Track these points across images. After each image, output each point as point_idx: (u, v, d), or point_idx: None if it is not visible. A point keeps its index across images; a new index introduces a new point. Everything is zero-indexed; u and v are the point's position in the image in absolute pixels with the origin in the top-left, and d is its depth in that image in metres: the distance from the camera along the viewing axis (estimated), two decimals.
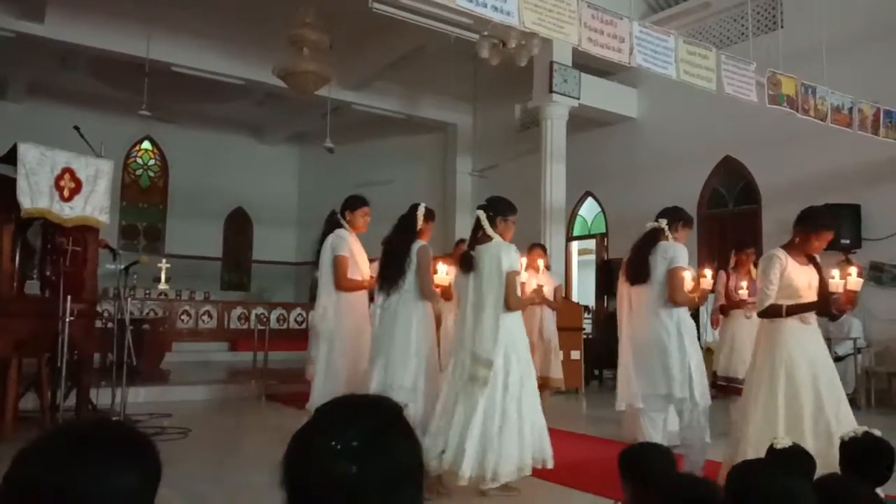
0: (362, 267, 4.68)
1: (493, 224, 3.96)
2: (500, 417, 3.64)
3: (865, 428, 2.60)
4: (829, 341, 7.64)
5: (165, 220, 15.22)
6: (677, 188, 10.35)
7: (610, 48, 4.43)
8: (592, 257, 12.51)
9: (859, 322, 8.04)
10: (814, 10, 8.93)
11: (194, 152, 14.85)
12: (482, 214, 3.98)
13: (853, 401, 7.24)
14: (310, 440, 0.99)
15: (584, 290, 12.51)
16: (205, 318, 11.60)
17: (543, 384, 5.98)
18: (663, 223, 4.34)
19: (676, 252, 4.13)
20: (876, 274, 8.28)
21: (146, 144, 15.44)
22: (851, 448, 2.51)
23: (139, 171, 15.47)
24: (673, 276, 4.05)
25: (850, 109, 6.32)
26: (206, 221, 14.99)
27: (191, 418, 5.90)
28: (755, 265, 5.81)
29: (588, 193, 12.03)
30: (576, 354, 8.73)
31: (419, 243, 4.27)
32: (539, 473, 4.23)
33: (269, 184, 15.52)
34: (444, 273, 4.19)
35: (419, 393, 4.08)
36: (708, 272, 4.33)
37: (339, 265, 4.58)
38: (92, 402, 5.46)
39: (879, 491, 2.55)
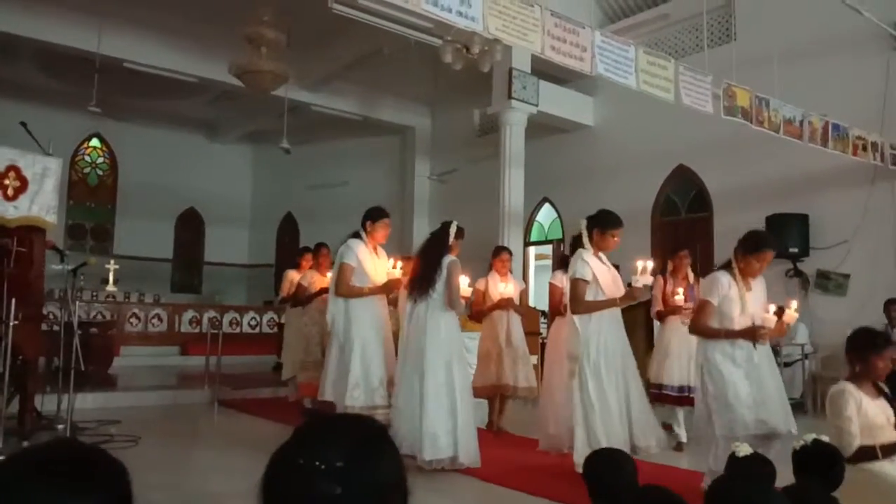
0: (373, 276, 4.77)
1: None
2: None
3: (815, 435, 2.66)
4: (777, 347, 7.90)
5: (114, 219, 14.79)
6: (632, 195, 10.54)
7: (572, 57, 4.47)
8: (549, 262, 12.61)
9: (806, 328, 8.28)
10: (766, 23, 9.20)
11: (145, 150, 14.47)
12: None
13: (800, 405, 7.47)
14: (292, 460, 0.95)
15: (541, 295, 12.59)
16: (155, 321, 11.31)
17: (512, 393, 5.96)
18: (583, 226, 4.62)
19: (575, 265, 4.43)
20: (822, 281, 8.55)
21: (95, 142, 14.99)
22: (802, 455, 2.57)
23: (87, 169, 15.01)
24: (571, 286, 4.40)
25: (801, 122, 6.50)
26: (156, 221, 14.62)
27: (141, 425, 5.72)
28: (692, 269, 5.95)
29: (545, 199, 12.14)
30: (533, 359, 8.76)
31: (450, 258, 4.64)
32: (493, 479, 4.24)
33: (223, 184, 15.23)
34: (465, 285, 4.74)
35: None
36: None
37: (339, 272, 4.75)
38: (36, 409, 5.24)
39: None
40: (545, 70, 9.71)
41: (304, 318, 6.84)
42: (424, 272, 4.55)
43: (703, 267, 9.77)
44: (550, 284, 5.73)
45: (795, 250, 8.53)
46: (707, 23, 10.11)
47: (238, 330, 11.68)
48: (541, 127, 10.84)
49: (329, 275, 6.84)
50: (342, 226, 12.66)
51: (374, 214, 4.89)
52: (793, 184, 8.63)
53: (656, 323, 8.27)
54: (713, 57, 9.13)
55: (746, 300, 3.72)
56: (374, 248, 4.86)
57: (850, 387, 3.14)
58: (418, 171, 13.85)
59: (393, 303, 5.14)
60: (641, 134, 10.28)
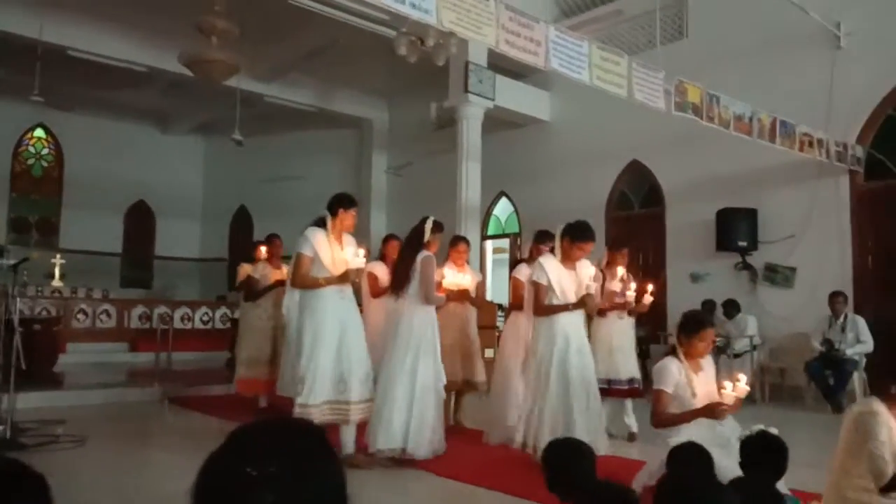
0: (331, 267, 4.47)
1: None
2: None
3: (761, 426, 2.71)
4: (728, 339, 8.08)
5: (60, 212, 14.32)
6: (587, 190, 10.66)
7: (526, 51, 4.46)
8: (506, 256, 12.67)
9: (755, 320, 8.49)
10: (717, 21, 9.38)
11: (93, 141, 14.04)
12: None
13: (748, 395, 7.64)
14: (225, 466, 0.91)
15: (498, 289, 12.64)
16: (103, 317, 10.99)
17: (469, 387, 5.93)
18: (558, 231, 4.88)
19: (535, 268, 4.74)
20: (770, 275, 8.76)
21: (39, 132, 14.48)
22: (748, 447, 2.62)
23: (31, 161, 14.50)
24: (532, 288, 4.73)
25: (751, 119, 6.63)
26: (105, 214, 14.21)
27: (87, 425, 5.54)
28: (627, 268, 6.01)
29: (502, 193, 12.18)
30: (490, 353, 8.79)
31: (424, 253, 4.70)
32: (448, 473, 4.24)
33: (174, 176, 14.88)
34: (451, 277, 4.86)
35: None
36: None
37: (295, 263, 4.55)
38: None
39: (782, 486, 2.68)
40: (502, 64, 9.73)
41: (256, 312, 6.70)
42: (400, 268, 4.78)
43: (655, 264, 10.00)
44: (513, 278, 5.73)
45: (744, 244, 8.74)
46: (660, 20, 10.25)
47: (190, 326, 11.44)
48: (498, 121, 10.86)
49: (284, 267, 6.82)
50: (297, 220, 12.43)
51: (347, 202, 4.64)
52: (742, 179, 8.82)
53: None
54: (666, 53, 9.29)
55: (694, 384, 3.67)
56: (339, 237, 4.60)
57: (882, 408, 2.86)
58: (375, 165, 13.75)
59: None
60: (596, 129, 10.38)
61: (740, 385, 3.44)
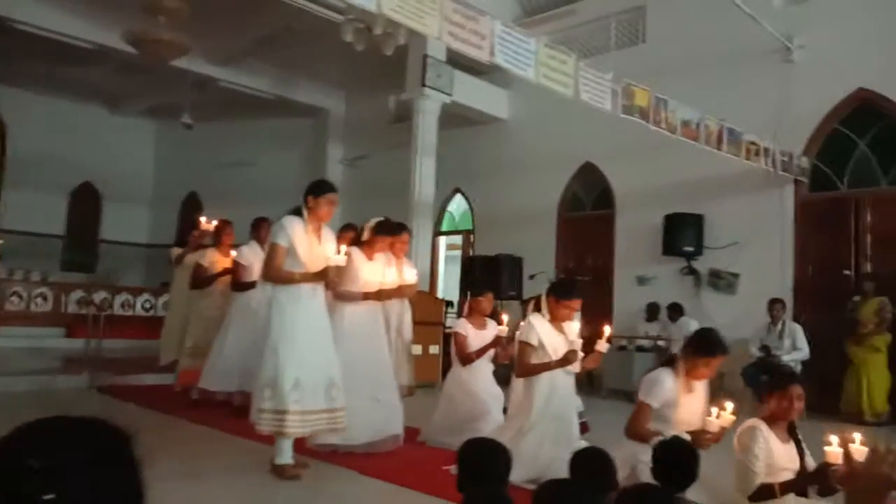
0: (307, 261, 4.09)
1: None
2: None
3: (675, 432, 2.69)
4: (669, 342, 8.15)
5: (1, 191, 13.78)
6: (540, 190, 10.67)
7: (471, 44, 4.39)
8: (459, 253, 12.62)
9: (697, 324, 8.56)
10: (674, 28, 9.46)
11: (38, 119, 13.53)
12: None
13: None
14: (6, 452, 0.83)
15: (450, 285, 12.59)
16: (39, 300, 10.61)
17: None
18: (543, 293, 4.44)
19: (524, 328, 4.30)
20: (714, 280, 8.88)
21: None
22: (660, 453, 2.59)
23: None
24: (517, 348, 4.29)
25: (698, 124, 6.68)
26: (48, 195, 13.70)
27: (3, 414, 5.30)
28: (492, 314, 5.48)
29: (457, 190, 12.12)
30: (434, 349, 8.74)
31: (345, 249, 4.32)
32: (375, 473, 4.15)
33: (123, 158, 14.43)
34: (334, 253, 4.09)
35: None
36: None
37: (269, 254, 4.17)
38: None
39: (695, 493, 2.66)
40: (461, 60, 9.64)
41: (203, 302, 6.50)
42: None
43: (603, 266, 10.05)
44: (455, 333, 5.37)
45: (690, 249, 8.84)
46: (619, 24, 10.32)
47: (131, 312, 11.13)
48: (455, 117, 10.79)
49: (233, 254, 6.51)
50: (250, 208, 12.20)
51: (317, 188, 4.21)
52: (691, 186, 8.92)
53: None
54: (623, 57, 9.34)
55: (685, 403, 3.53)
56: (317, 229, 4.20)
57: (762, 426, 3.04)
58: (331, 156, 13.58)
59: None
60: (553, 130, 10.39)
61: (726, 414, 3.27)
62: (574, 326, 4.24)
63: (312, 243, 4.13)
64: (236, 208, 11.90)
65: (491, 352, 5.18)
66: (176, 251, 6.94)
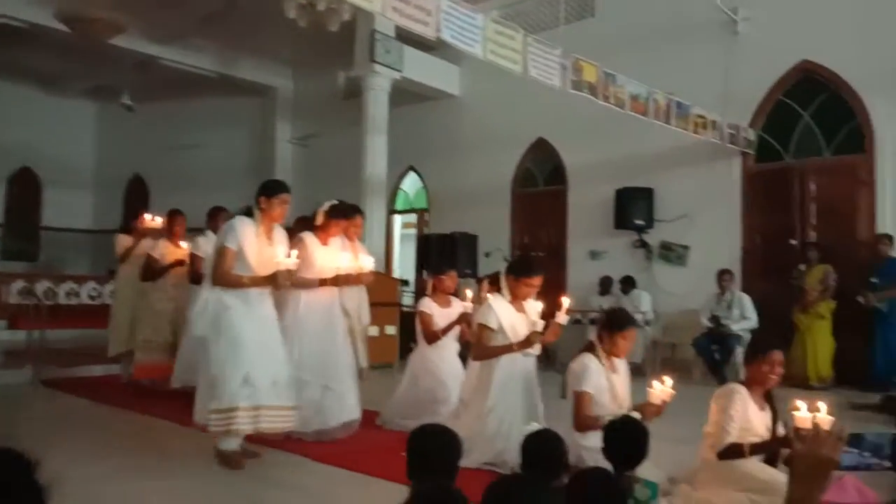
0: (257, 265, 3.97)
1: None
2: None
3: (624, 411, 2.71)
4: None
5: None
6: (494, 166, 10.65)
7: (416, 20, 4.30)
8: (414, 231, 12.55)
9: (649, 296, 8.73)
10: (623, 2, 9.46)
11: None
12: None
13: (640, 369, 7.85)
14: None
15: (405, 264, 12.54)
16: None
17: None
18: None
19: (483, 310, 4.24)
20: (665, 252, 9.02)
21: None
22: (610, 432, 2.60)
23: None
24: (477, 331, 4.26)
25: (647, 99, 6.71)
26: None
27: None
28: (456, 292, 5.49)
29: (411, 168, 12.01)
30: (391, 329, 8.69)
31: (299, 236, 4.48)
32: (334, 461, 4.10)
33: (62, 142, 13.88)
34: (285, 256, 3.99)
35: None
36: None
37: (217, 257, 4.00)
38: None
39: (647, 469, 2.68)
40: (411, 36, 9.46)
41: (155, 295, 6.29)
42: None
43: (557, 241, 10.11)
44: (420, 312, 5.30)
45: (641, 223, 8.95)
46: None
47: (76, 301, 10.78)
48: (407, 94, 10.66)
49: (183, 245, 6.34)
50: (198, 190, 11.97)
51: (270, 189, 4.07)
52: (641, 160, 9.00)
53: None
54: (573, 32, 9.30)
55: (615, 383, 3.61)
56: (268, 231, 4.08)
57: (742, 389, 3.13)
58: (280, 135, 13.30)
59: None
60: (505, 106, 10.33)
61: (666, 388, 3.31)
62: (536, 306, 4.15)
63: (263, 246, 4.02)
64: (185, 191, 11.67)
65: (456, 329, 5.16)
66: (122, 242, 6.67)
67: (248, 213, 4.09)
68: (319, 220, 4.81)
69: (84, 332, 9.37)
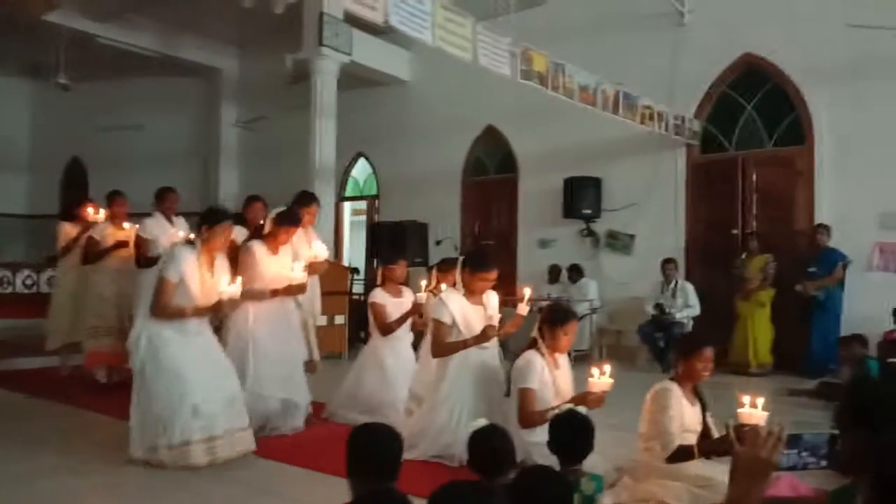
0: (198, 296, 3.88)
1: None
2: None
3: (570, 406, 2.72)
4: (570, 303, 8.34)
5: None
6: (444, 154, 10.60)
7: (364, 5, 4.22)
8: (364, 218, 12.43)
9: (595, 284, 8.84)
10: None
11: None
12: None
13: (587, 356, 7.96)
14: None
15: (355, 252, 12.42)
16: None
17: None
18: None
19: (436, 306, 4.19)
20: (611, 241, 9.15)
21: None
22: (556, 427, 2.60)
23: None
24: (432, 327, 4.22)
25: (595, 89, 6.74)
26: None
27: None
28: (407, 281, 5.46)
29: (361, 154, 11.87)
30: (340, 319, 8.61)
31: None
32: (275, 455, 4.03)
33: None
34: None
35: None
36: None
37: (157, 288, 3.85)
38: None
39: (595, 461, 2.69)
40: (360, 19, 9.29)
41: (96, 278, 6.06)
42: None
43: (507, 229, 10.14)
44: (371, 304, 5.18)
45: (589, 212, 9.05)
46: None
47: (10, 290, 10.34)
48: (356, 78, 10.48)
49: (126, 226, 6.14)
50: (139, 173, 11.54)
51: (211, 217, 4.00)
52: (590, 149, 9.08)
53: None
54: (523, 19, 9.25)
55: (557, 379, 3.63)
56: (210, 260, 3.99)
57: (674, 387, 3.15)
58: (224, 118, 12.94)
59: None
60: (455, 92, 10.26)
61: (605, 377, 3.33)
62: (493, 299, 4.17)
63: (205, 276, 3.94)
64: (125, 174, 11.26)
65: (410, 319, 5.12)
66: (65, 232, 6.39)
67: (239, 220, 4.06)
68: (268, 228, 4.67)
69: (18, 322, 9.01)
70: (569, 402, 3.25)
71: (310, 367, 5.22)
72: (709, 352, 3.17)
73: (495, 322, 4.09)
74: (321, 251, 5.10)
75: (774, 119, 8.32)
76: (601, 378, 3.32)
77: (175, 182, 6.76)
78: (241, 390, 4.09)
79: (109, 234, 6.08)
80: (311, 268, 4.98)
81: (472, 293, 4.12)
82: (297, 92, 10.85)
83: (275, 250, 4.60)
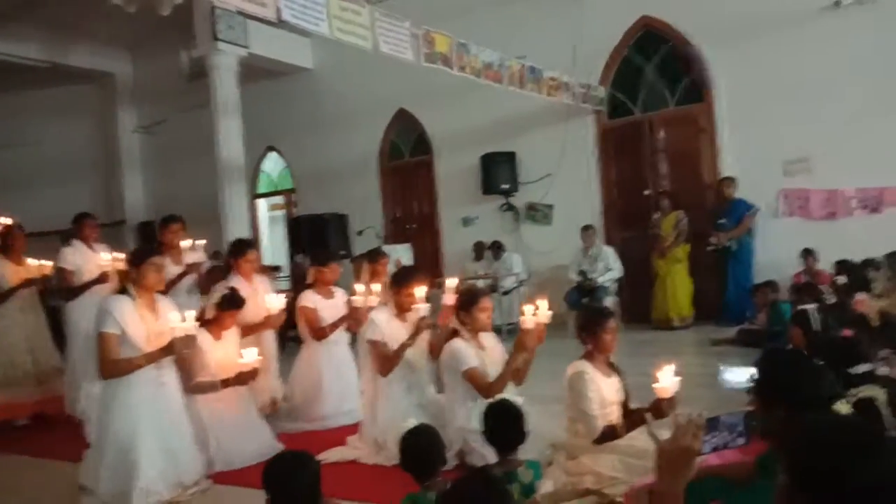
0: (143, 343, 3.60)
1: None
2: None
3: (503, 396, 2.74)
4: (496, 278, 8.42)
5: None
6: (358, 141, 10.45)
7: (254, 2, 4.04)
8: (284, 213, 12.17)
9: (520, 258, 8.94)
10: None
11: None
12: None
13: (517, 330, 8.04)
14: None
15: (276, 248, 12.16)
16: None
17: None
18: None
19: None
20: (531, 213, 9.26)
21: None
22: (489, 416, 2.61)
23: None
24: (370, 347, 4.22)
25: (500, 66, 6.74)
26: None
27: None
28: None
29: (271, 148, 11.56)
30: None
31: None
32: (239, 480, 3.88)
33: None
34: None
35: None
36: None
37: (99, 345, 3.56)
38: None
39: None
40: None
41: (1, 323, 5.44)
42: None
43: (428, 211, 10.10)
44: (301, 307, 5.01)
45: (507, 186, 9.12)
46: None
47: None
48: (257, 71, 10.15)
49: (31, 262, 5.55)
50: (35, 192, 10.84)
51: (137, 256, 3.76)
52: (502, 125, 9.13)
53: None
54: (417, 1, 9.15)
55: (484, 359, 3.64)
56: (150, 302, 3.73)
57: (587, 367, 3.17)
58: (122, 124, 12.34)
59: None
60: (362, 78, 10.07)
61: (541, 312, 3.40)
62: (420, 289, 4.05)
63: (148, 320, 3.66)
64: (19, 194, 10.61)
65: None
66: None
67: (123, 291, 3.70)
68: (210, 314, 4.38)
69: None
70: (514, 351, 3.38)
71: (273, 406, 4.99)
72: (611, 323, 3.26)
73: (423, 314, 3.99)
74: (275, 304, 4.73)
75: (675, 79, 8.54)
76: (537, 314, 3.38)
77: (77, 195, 6.44)
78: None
79: (8, 273, 5.47)
80: (267, 323, 4.75)
81: (401, 310, 4.15)
82: (197, 90, 10.43)
83: (217, 336, 4.28)
